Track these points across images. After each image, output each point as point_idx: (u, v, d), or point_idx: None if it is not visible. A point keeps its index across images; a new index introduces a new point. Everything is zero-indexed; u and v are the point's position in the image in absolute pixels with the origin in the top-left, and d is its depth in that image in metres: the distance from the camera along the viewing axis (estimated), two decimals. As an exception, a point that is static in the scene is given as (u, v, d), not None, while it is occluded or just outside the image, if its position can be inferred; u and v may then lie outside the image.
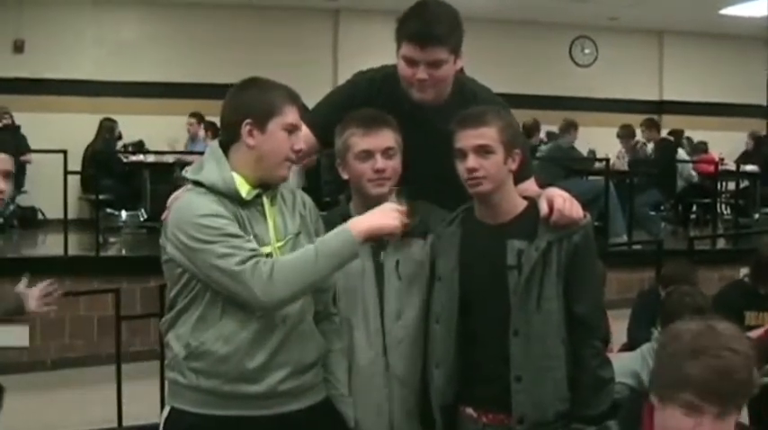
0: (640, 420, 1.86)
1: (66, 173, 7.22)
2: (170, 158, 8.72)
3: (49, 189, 7.43)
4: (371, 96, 2.50)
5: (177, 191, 2.23)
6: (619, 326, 4.05)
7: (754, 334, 3.69)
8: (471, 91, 2.54)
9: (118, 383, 4.71)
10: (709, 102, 11.99)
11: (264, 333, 2.11)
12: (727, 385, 1.60)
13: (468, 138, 2.20)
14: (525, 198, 2.30)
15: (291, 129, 2.16)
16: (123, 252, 8.31)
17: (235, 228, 2.07)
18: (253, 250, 2.05)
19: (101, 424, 4.82)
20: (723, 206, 10.67)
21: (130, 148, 9.79)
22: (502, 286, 2.20)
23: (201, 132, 9.45)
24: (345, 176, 2.41)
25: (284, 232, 2.19)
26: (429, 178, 2.38)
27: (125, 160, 9.25)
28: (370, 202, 2.25)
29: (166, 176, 8.30)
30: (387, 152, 2.34)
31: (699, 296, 3.46)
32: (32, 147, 8.25)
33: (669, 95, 12.33)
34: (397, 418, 2.35)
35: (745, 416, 3.39)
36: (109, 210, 9.04)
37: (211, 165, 2.15)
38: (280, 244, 2.17)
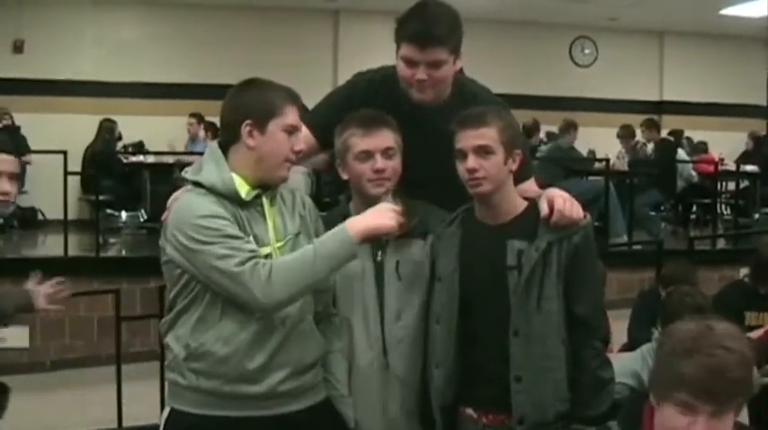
0: (641, 421, 1.86)
1: (66, 173, 7.21)
2: (170, 159, 8.72)
3: (49, 189, 7.43)
4: (370, 97, 2.50)
5: (177, 191, 2.23)
6: (619, 327, 4.05)
7: (755, 334, 3.69)
8: (471, 91, 2.54)
9: (118, 384, 4.70)
10: (709, 102, 11.99)
11: (264, 334, 2.11)
12: (721, 384, 1.60)
13: (468, 139, 2.19)
14: (525, 198, 2.30)
15: (291, 130, 2.16)
16: (123, 253, 8.31)
17: (234, 230, 2.07)
18: (252, 251, 2.05)
19: (101, 424, 4.82)
20: (723, 206, 10.66)
21: (130, 149, 9.78)
22: (502, 286, 2.20)
23: (202, 133, 9.46)
24: (345, 177, 2.41)
25: (284, 233, 2.19)
26: (429, 179, 2.38)
27: (125, 161, 9.25)
28: (370, 203, 2.25)
29: (166, 177, 8.28)
30: (386, 152, 2.34)
31: (699, 296, 3.45)
32: (32, 147, 8.24)
33: (669, 96, 12.33)
34: (396, 419, 2.35)
35: (745, 417, 3.39)
36: (109, 211, 9.03)
37: (210, 166, 2.15)
38: (279, 244, 2.16)
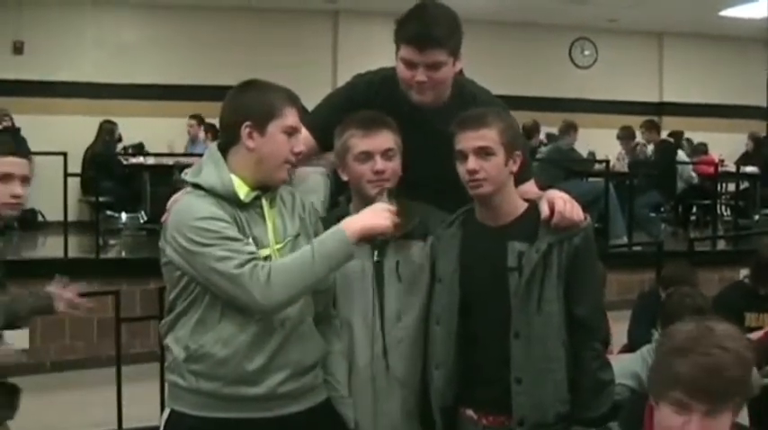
0: (641, 422, 1.86)
1: (66, 175, 7.22)
2: (170, 161, 8.71)
3: (49, 191, 7.42)
4: (369, 98, 2.50)
5: (177, 193, 2.23)
6: (619, 328, 4.04)
7: (755, 335, 3.69)
8: (471, 93, 2.54)
9: (118, 385, 4.70)
10: (708, 103, 11.99)
11: (263, 335, 2.11)
12: (716, 383, 1.60)
13: (468, 140, 2.19)
14: (526, 200, 2.30)
15: (291, 132, 2.16)
16: (123, 254, 8.30)
17: (233, 232, 2.07)
18: (251, 253, 2.05)
19: (101, 426, 4.80)
20: (723, 207, 10.66)
21: (130, 150, 9.79)
22: (502, 288, 2.20)
23: (202, 134, 9.46)
24: (345, 178, 2.41)
25: (283, 234, 2.19)
26: (428, 180, 2.38)
27: (125, 162, 9.25)
28: (370, 204, 2.25)
29: (166, 178, 8.28)
30: (386, 153, 2.34)
31: (699, 297, 3.45)
32: (32, 149, 8.02)
33: (669, 97, 12.33)
34: (397, 420, 2.35)
35: (745, 417, 3.39)
36: (109, 213, 9.02)
37: (210, 168, 2.15)
38: (279, 246, 2.16)
